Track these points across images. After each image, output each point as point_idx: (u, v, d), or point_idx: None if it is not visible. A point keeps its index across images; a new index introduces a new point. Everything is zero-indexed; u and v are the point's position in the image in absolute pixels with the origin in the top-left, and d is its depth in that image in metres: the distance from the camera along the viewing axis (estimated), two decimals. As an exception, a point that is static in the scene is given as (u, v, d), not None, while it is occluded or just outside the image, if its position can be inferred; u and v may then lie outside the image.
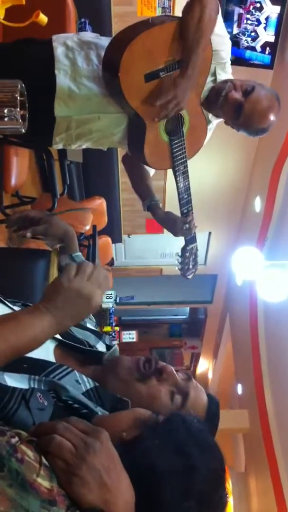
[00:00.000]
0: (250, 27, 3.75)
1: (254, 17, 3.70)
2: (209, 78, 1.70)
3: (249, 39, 3.80)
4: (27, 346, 0.79)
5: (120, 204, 5.13)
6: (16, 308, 1.08)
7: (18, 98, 1.13)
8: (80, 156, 3.30)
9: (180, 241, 1.88)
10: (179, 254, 1.87)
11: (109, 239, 4.60)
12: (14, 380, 0.83)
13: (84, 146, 1.85)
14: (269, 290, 3.22)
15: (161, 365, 1.01)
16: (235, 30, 3.82)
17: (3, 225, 2.44)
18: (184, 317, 10.55)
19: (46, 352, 0.98)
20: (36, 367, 0.89)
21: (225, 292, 7.01)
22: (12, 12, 1.53)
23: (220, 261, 5.98)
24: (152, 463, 0.70)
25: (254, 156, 4.99)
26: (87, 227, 3.39)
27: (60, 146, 1.83)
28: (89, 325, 1.29)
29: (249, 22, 3.74)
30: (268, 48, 3.73)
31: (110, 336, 4.97)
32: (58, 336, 1.04)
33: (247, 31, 3.78)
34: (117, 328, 6.03)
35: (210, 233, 5.99)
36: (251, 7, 3.68)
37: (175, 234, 1.82)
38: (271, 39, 3.68)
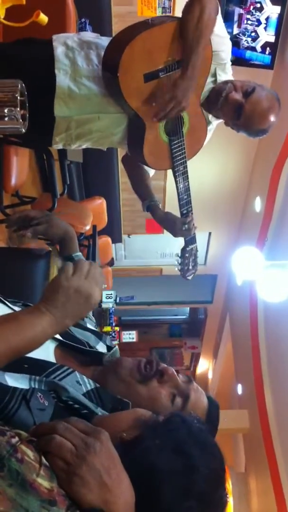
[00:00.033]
0: (250, 27, 3.75)
1: (254, 17, 3.70)
2: (209, 79, 1.70)
3: (249, 39, 3.80)
4: (27, 346, 0.79)
5: (120, 204, 5.13)
6: (17, 308, 1.08)
7: (18, 97, 1.13)
8: (80, 156, 3.30)
9: (180, 241, 1.88)
10: (179, 255, 1.87)
11: (109, 239, 4.61)
12: (14, 380, 0.83)
13: (84, 146, 1.85)
14: (269, 290, 3.22)
15: (162, 367, 1.01)
16: (235, 30, 3.82)
17: (3, 225, 2.44)
18: (184, 317, 10.56)
19: (46, 352, 0.98)
20: (37, 368, 0.89)
21: (225, 292, 7.01)
22: (12, 12, 1.53)
23: (220, 261, 5.98)
24: (152, 463, 0.70)
25: (254, 157, 4.99)
26: (87, 227, 3.39)
27: (60, 146, 1.83)
28: (89, 326, 1.29)
29: (249, 22, 3.74)
30: (268, 48, 3.73)
31: (110, 336, 4.96)
32: (58, 336, 1.04)
33: (247, 31, 3.78)
34: (117, 328, 6.02)
35: (210, 233, 6.00)
36: (251, 7, 3.69)
37: (175, 234, 1.82)
38: (271, 39, 3.69)
